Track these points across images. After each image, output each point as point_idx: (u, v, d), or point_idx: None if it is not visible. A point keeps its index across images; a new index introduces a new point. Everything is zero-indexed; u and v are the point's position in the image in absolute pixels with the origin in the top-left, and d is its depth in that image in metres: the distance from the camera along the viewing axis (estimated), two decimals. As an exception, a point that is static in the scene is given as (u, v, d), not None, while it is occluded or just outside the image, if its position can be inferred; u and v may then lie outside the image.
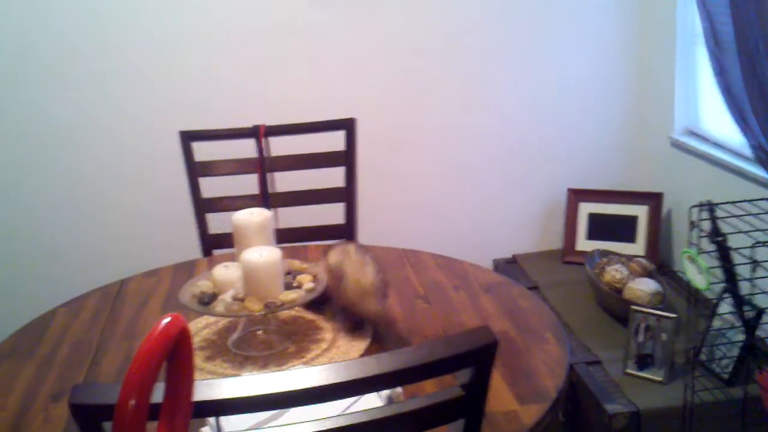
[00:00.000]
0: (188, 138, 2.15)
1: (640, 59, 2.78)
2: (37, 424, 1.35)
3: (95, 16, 2.43)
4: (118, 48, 2.44)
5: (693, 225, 1.96)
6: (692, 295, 2.09)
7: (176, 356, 0.74)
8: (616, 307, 2.38)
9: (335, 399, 1.01)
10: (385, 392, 1.34)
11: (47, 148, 2.51)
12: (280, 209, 2.17)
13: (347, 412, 1.28)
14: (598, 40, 2.71)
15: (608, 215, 2.76)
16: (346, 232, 2.25)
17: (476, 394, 0.97)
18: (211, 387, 0.84)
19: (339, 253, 1.55)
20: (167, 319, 0.72)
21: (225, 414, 1.25)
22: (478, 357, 0.94)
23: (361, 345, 1.54)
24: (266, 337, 1.56)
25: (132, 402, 0.68)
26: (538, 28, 2.66)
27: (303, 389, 0.89)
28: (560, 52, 2.69)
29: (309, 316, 1.67)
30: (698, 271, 1.92)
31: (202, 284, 1.54)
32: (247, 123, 2.24)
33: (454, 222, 2.81)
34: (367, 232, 2.59)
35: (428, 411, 0.96)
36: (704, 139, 2.60)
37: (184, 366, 0.75)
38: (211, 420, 1.25)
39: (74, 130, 2.51)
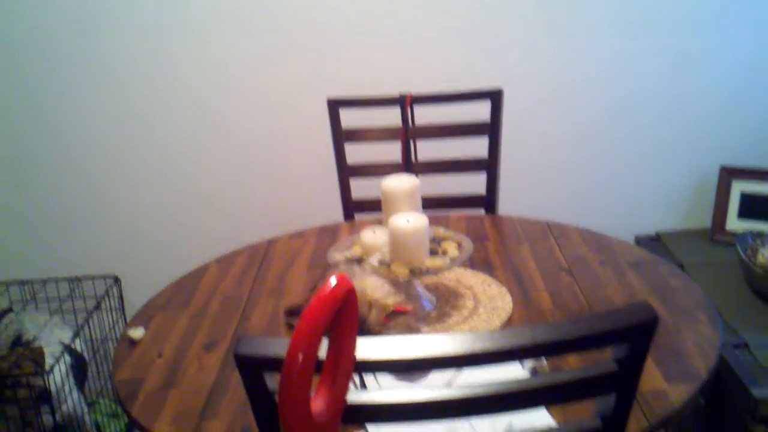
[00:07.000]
0: (336, 105, 2.19)
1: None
2: (192, 371, 1.42)
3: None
4: (272, 15, 2.50)
5: None
6: None
7: (342, 315, 0.76)
8: (768, 291, 2.27)
9: (486, 366, 1.01)
10: (529, 363, 1.34)
11: (205, 120, 2.61)
12: (421, 177, 2.18)
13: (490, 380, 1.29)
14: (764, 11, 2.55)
15: (764, 195, 2.62)
16: (487, 202, 2.24)
17: (631, 370, 0.95)
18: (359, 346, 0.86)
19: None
20: (335, 279, 0.74)
21: (367, 372, 1.28)
22: (636, 333, 0.92)
23: (503, 315, 1.53)
24: (408, 302, 1.58)
25: (300, 356, 0.70)
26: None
27: (452, 354, 0.89)
28: (722, 23, 2.56)
29: (451, 283, 1.68)
30: None
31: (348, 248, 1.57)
32: (387, 91, 2.25)
33: (595, 195, 2.74)
34: (507, 202, 2.57)
35: (582, 383, 0.95)
36: None
37: (349, 324, 0.77)
38: (355, 376, 1.29)
39: (229, 99, 2.60)
